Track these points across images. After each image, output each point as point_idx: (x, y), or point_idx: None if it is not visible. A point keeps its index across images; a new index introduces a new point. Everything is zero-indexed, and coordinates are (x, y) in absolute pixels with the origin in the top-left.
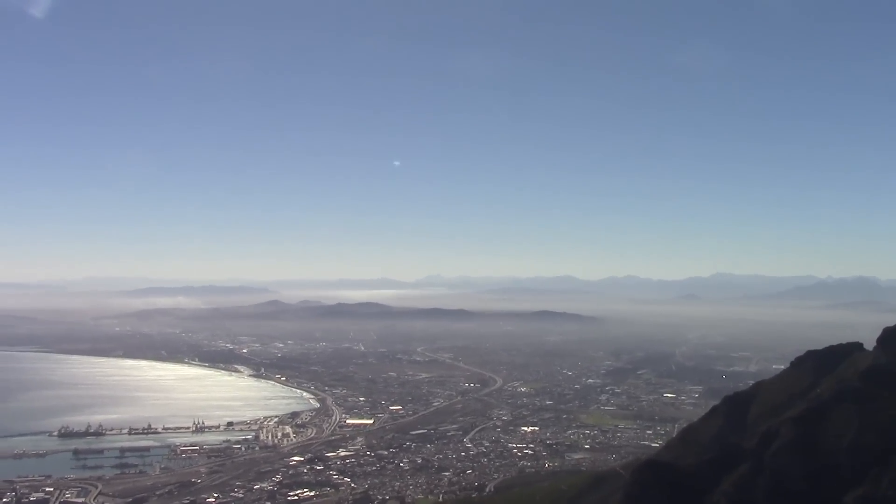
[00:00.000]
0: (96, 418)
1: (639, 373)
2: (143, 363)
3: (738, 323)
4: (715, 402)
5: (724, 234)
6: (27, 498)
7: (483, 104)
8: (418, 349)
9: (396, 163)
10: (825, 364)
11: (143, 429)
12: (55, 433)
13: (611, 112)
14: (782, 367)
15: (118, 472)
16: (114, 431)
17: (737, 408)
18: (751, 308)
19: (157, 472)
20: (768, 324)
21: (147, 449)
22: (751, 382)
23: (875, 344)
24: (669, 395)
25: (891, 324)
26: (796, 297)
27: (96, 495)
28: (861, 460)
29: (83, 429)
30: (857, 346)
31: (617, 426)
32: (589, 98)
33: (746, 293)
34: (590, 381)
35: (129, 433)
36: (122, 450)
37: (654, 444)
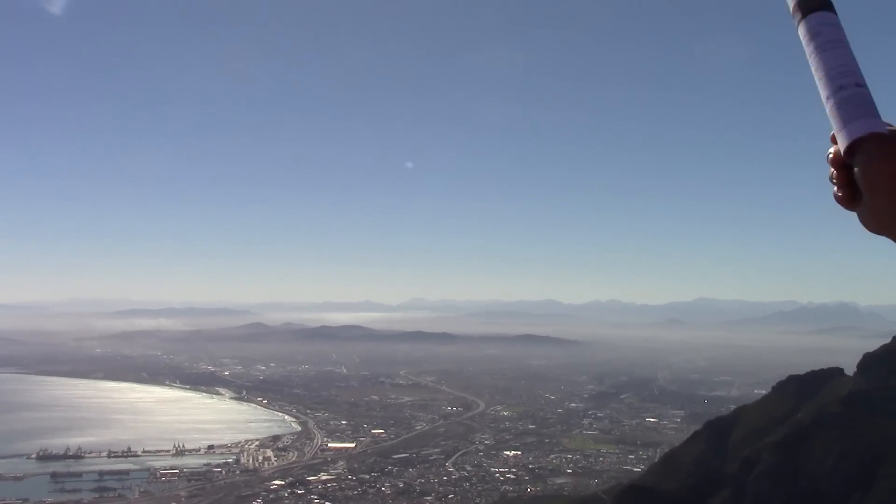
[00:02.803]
0: (75, 441)
1: (621, 397)
2: (124, 385)
3: (720, 347)
4: (697, 426)
5: (707, 259)
6: None
7: (465, 128)
8: (401, 372)
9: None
10: (806, 389)
11: (123, 452)
12: (33, 456)
13: (593, 136)
14: (764, 391)
15: (97, 495)
16: (93, 454)
17: (718, 432)
18: (733, 333)
19: (137, 496)
20: (750, 348)
21: (126, 472)
22: (732, 407)
23: (855, 369)
24: (652, 420)
25: (871, 349)
26: (778, 322)
27: None
28: (842, 485)
29: (62, 451)
30: (837, 372)
31: (599, 450)
32: (572, 121)
33: (728, 318)
34: (572, 405)
35: (109, 456)
36: (101, 473)
37: (636, 469)
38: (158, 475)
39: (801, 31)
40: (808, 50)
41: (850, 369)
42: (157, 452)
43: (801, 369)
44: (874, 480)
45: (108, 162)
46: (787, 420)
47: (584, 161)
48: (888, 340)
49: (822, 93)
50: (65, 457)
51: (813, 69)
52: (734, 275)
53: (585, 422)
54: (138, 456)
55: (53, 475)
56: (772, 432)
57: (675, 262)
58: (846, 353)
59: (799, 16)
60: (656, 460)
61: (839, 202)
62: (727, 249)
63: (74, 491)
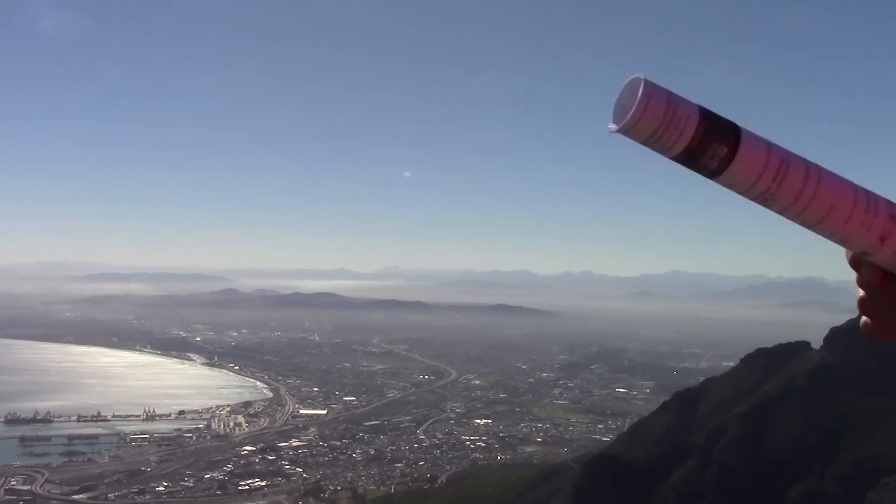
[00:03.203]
0: (44, 405)
1: (592, 367)
2: (94, 349)
3: (690, 320)
4: (666, 397)
5: (680, 232)
6: None
7: (442, 100)
8: (374, 340)
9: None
10: (774, 362)
11: (93, 416)
12: (1, 420)
13: (568, 108)
14: (732, 364)
15: (66, 459)
16: (62, 418)
17: (687, 403)
18: (703, 305)
19: (106, 460)
20: (720, 321)
21: (96, 437)
22: (701, 379)
23: (822, 343)
24: (621, 390)
25: (838, 324)
26: (748, 295)
27: (43, 483)
28: (805, 457)
29: (30, 415)
30: (804, 345)
31: (569, 420)
32: (547, 94)
33: (699, 291)
34: (543, 374)
35: (78, 420)
36: (71, 437)
37: (605, 438)
38: (128, 440)
39: (742, 172)
40: (786, 191)
41: (817, 343)
42: (127, 417)
43: (769, 342)
44: (837, 452)
45: (78, 122)
46: (754, 392)
47: (559, 133)
48: (855, 315)
49: (862, 234)
50: (33, 421)
51: (798, 213)
52: (706, 248)
53: (556, 391)
54: (108, 420)
55: (22, 439)
56: (739, 404)
57: (648, 235)
58: (814, 326)
59: (722, 151)
60: (625, 430)
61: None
62: (700, 223)
63: (43, 455)
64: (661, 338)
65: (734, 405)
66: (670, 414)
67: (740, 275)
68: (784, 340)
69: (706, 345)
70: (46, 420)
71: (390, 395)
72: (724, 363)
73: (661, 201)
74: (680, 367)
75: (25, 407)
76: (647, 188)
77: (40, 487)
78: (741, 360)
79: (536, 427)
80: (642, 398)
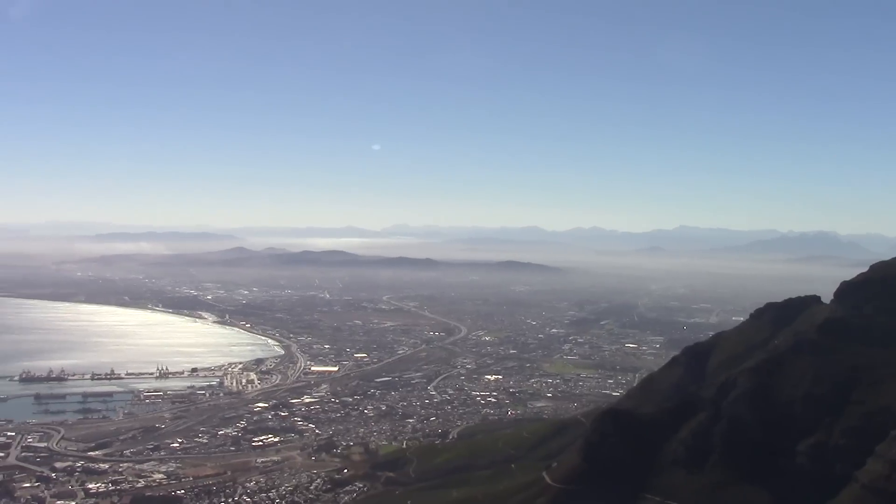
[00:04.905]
0: (58, 363)
1: (602, 323)
2: (105, 309)
3: (700, 275)
4: (675, 352)
5: (690, 187)
6: None
7: (454, 53)
8: (384, 297)
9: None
10: (783, 316)
11: (106, 374)
12: (16, 378)
13: (576, 65)
14: (742, 319)
15: (81, 416)
16: (76, 377)
17: (696, 358)
18: (713, 261)
19: (121, 418)
20: (730, 276)
21: (110, 394)
22: (711, 334)
23: (832, 297)
24: (631, 346)
25: (848, 278)
26: (758, 250)
27: (59, 440)
28: (815, 410)
29: (44, 373)
30: (814, 300)
31: (579, 375)
32: (557, 51)
33: (709, 246)
34: (553, 330)
35: (92, 378)
36: (85, 395)
37: (615, 393)
38: (142, 397)
39: None
40: None
41: (828, 297)
42: (140, 375)
43: (779, 297)
44: (846, 405)
45: (90, 83)
46: (764, 346)
47: (568, 90)
48: (866, 269)
49: None
50: (48, 379)
51: None
52: (716, 203)
53: (566, 347)
54: (122, 378)
55: (37, 397)
56: (748, 358)
57: (659, 190)
58: (824, 281)
59: None
60: (635, 385)
61: None
62: (710, 178)
63: (58, 412)
64: (671, 293)
65: (744, 359)
66: (680, 368)
67: (751, 229)
68: (794, 295)
69: (716, 300)
70: (61, 378)
71: (401, 351)
72: (733, 318)
73: (671, 156)
74: (689, 322)
75: (39, 365)
76: (657, 144)
77: (56, 444)
78: (751, 315)
79: (546, 382)
80: (652, 353)
